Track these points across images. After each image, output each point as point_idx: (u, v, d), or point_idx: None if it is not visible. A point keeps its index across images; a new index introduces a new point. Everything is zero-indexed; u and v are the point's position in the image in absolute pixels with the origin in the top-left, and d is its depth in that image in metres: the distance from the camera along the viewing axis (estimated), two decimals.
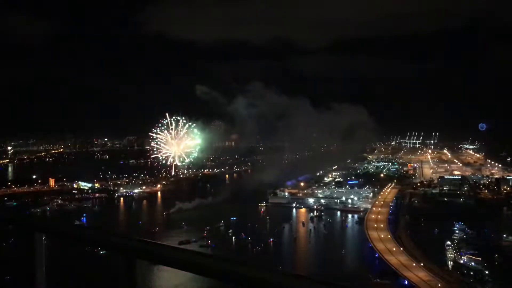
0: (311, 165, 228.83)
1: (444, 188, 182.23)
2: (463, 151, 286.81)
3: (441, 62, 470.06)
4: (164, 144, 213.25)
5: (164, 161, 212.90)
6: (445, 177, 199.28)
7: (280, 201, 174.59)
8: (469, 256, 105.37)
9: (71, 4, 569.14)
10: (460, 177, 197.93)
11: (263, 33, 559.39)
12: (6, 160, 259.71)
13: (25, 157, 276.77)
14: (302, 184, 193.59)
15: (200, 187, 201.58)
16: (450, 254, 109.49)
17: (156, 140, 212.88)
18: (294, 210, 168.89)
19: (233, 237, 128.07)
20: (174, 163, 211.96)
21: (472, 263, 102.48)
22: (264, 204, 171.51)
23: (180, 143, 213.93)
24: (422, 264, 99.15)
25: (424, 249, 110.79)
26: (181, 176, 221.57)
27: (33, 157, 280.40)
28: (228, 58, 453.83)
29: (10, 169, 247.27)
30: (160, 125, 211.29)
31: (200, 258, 3.39)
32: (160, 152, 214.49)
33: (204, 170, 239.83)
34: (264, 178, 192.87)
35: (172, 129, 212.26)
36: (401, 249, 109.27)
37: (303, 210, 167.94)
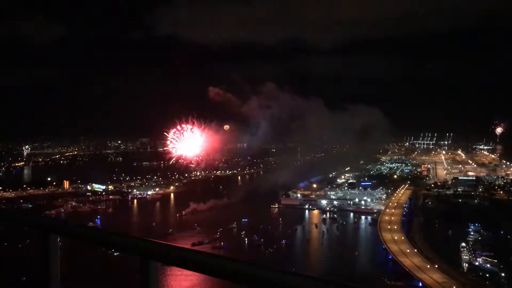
0: (323, 166, 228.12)
1: (458, 189, 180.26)
2: (478, 152, 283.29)
3: (455, 62, 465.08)
4: (177, 145, 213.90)
5: (177, 163, 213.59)
6: (459, 178, 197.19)
7: (292, 203, 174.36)
8: (484, 258, 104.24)
9: (83, 7, 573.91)
10: (474, 178, 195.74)
11: (274, 34, 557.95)
12: (21, 163, 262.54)
13: (40, 159, 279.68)
14: (314, 185, 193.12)
15: (212, 189, 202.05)
16: (465, 256, 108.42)
17: (170, 142, 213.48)
18: (306, 211, 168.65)
19: (246, 239, 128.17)
20: (189, 165, 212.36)
21: (488, 265, 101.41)
22: (276, 206, 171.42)
23: (193, 145, 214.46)
24: (436, 266, 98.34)
25: (438, 250, 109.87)
26: (194, 178, 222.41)
27: (48, 159, 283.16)
28: (239, 59, 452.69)
29: (25, 171, 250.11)
30: (173, 127, 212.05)
31: (213, 260, 3.39)
32: (173, 154, 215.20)
33: (216, 172, 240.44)
34: (276, 179, 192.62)
35: (185, 131, 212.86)
36: (415, 250, 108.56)
37: (315, 211, 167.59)
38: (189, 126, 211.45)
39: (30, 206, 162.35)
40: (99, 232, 4.48)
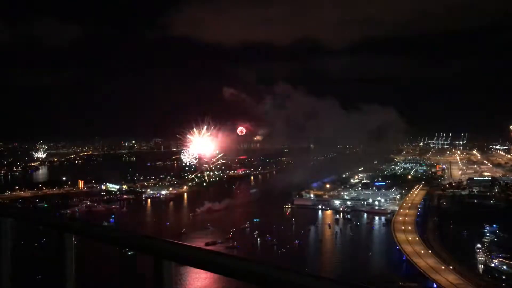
0: (337, 166, 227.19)
1: (474, 190, 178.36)
2: (493, 152, 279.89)
3: (470, 62, 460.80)
4: (191, 145, 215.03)
5: (190, 163, 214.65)
6: (475, 178, 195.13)
7: (305, 203, 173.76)
8: (500, 259, 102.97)
9: (98, 8, 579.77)
10: (490, 178, 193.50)
11: (288, 34, 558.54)
12: (37, 163, 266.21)
13: (55, 159, 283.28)
14: (327, 185, 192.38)
15: (225, 189, 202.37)
16: (480, 257, 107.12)
17: (184, 142, 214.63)
18: (319, 212, 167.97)
19: (258, 239, 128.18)
20: (202, 165, 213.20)
21: (504, 267, 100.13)
22: (289, 206, 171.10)
23: (207, 145, 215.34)
24: (451, 267, 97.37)
25: (453, 252, 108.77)
26: (206, 178, 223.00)
27: (63, 159, 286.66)
28: (253, 59, 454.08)
29: (41, 171, 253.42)
30: (187, 127, 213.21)
31: (226, 259, 3.39)
32: (187, 153, 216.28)
33: (229, 172, 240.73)
34: (289, 179, 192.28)
35: (199, 131, 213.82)
36: (430, 251, 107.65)
37: (329, 212, 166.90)
38: (204, 127, 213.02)
39: (46, 205, 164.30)
40: (113, 231, 4.51)
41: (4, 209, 5.41)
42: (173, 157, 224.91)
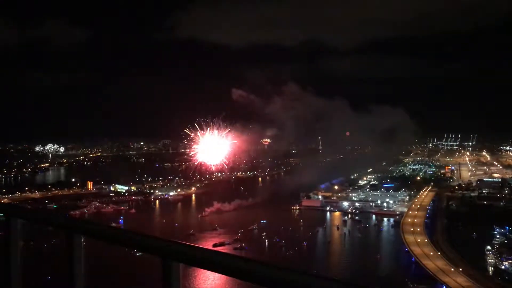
0: (345, 167, 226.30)
1: (483, 191, 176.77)
2: (503, 153, 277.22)
3: (479, 62, 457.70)
4: (199, 146, 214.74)
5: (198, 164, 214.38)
6: (484, 180, 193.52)
7: (313, 204, 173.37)
8: (511, 261, 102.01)
9: (104, 10, 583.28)
10: (500, 179, 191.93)
11: (295, 35, 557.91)
12: (46, 164, 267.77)
13: (64, 161, 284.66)
14: (336, 187, 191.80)
15: (233, 190, 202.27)
16: (490, 260, 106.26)
17: (191, 143, 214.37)
18: (328, 213, 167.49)
19: (266, 240, 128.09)
20: (212, 166, 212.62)
21: None
22: (297, 207, 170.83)
23: (215, 146, 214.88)
24: (460, 269, 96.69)
25: (462, 253, 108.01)
26: (214, 179, 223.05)
27: (72, 161, 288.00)
28: (261, 61, 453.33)
29: (50, 172, 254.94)
30: (195, 128, 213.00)
31: (233, 260, 3.41)
32: (195, 155, 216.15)
33: (237, 173, 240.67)
34: (297, 181, 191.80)
35: (208, 132, 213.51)
36: (439, 253, 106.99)
37: (337, 213, 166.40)
38: (212, 128, 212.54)
39: (55, 206, 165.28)
40: (122, 232, 4.54)
41: (14, 210, 5.47)
42: (177, 159, 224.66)
